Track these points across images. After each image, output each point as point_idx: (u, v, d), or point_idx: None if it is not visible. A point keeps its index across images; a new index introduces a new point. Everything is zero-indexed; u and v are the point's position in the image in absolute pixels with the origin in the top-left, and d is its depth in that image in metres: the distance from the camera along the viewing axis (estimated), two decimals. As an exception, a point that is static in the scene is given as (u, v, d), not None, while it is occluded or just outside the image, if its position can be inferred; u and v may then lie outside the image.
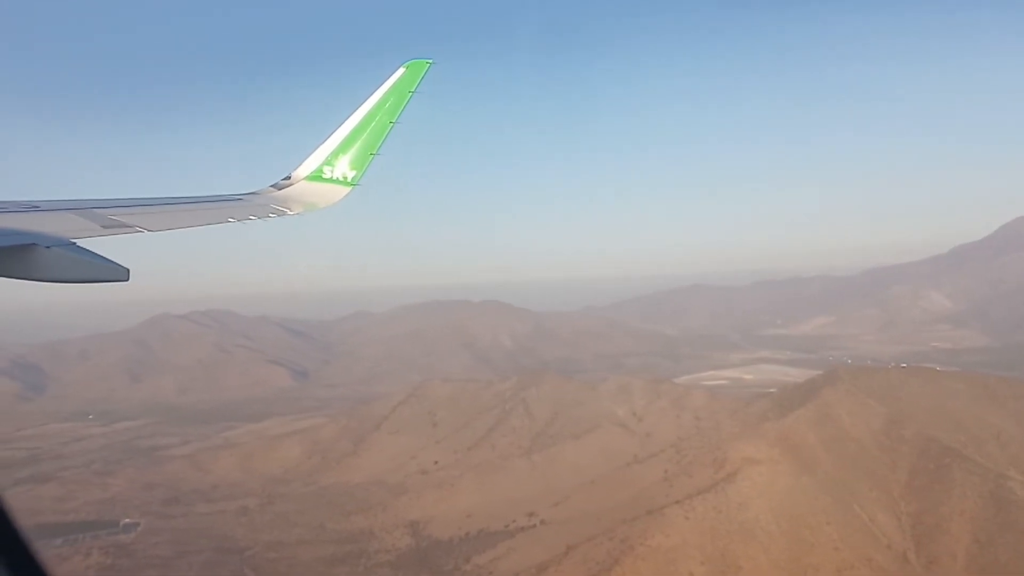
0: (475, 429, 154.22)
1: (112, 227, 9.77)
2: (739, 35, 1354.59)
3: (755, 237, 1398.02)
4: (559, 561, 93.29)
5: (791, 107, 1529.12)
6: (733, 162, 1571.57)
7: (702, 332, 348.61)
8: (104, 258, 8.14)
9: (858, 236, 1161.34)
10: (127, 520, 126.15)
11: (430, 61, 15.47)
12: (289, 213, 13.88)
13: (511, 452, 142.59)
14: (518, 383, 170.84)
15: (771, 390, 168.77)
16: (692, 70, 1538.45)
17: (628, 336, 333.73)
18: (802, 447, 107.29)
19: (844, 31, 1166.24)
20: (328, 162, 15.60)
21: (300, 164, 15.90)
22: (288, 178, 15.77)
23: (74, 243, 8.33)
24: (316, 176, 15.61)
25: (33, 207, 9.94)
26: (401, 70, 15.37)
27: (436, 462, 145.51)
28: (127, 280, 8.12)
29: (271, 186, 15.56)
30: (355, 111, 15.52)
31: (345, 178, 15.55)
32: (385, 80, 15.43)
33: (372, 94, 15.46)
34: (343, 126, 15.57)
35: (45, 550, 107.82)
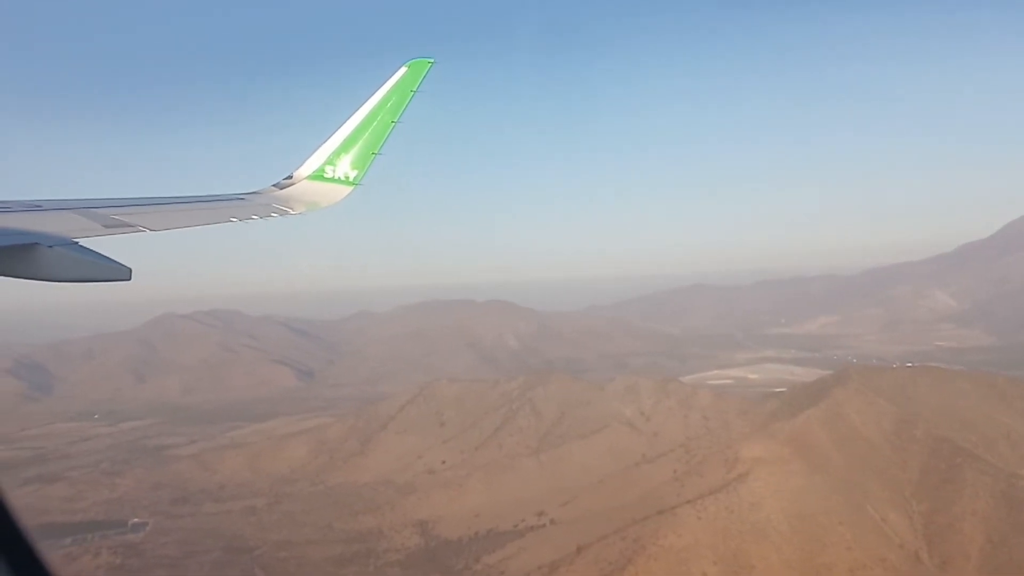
0: (482, 429, 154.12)
1: (114, 226, 9.80)
2: (741, 35, 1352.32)
3: (757, 237, 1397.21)
4: (571, 561, 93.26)
5: (793, 106, 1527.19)
6: (734, 161, 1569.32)
7: (705, 331, 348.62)
8: (106, 257, 8.15)
9: (861, 235, 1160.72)
10: (136, 520, 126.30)
11: (432, 60, 15.45)
12: (291, 213, 13.92)
13: (519, 452, 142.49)
14: (524, 383, 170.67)
15: (777, 389, 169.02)
16: (693, 70, 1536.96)
17: (632, 336, 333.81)
18: (813, 447, 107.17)
19: (846, 31, 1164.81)
20: (330, 162, 15.61)
21: (302, 164, 15.92)
22: (290, 178, 15.79)
23: (76, 243, 8.34)
24: (318, 176, 15.62)
25: (35, 207, 9.97)
26: (403, 69, 15.35)
27: (443, 462, 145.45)
28: (129, 279, 8.14)
29: (273, 186, 15.56)
30: (357, 111, 15.54)
31: (347, 177, 15.56)
32: (387, 80, 15.43)
33: (374, 93, 15.46)
34: (345, 126, 15.59)
35: (55, 550, 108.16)
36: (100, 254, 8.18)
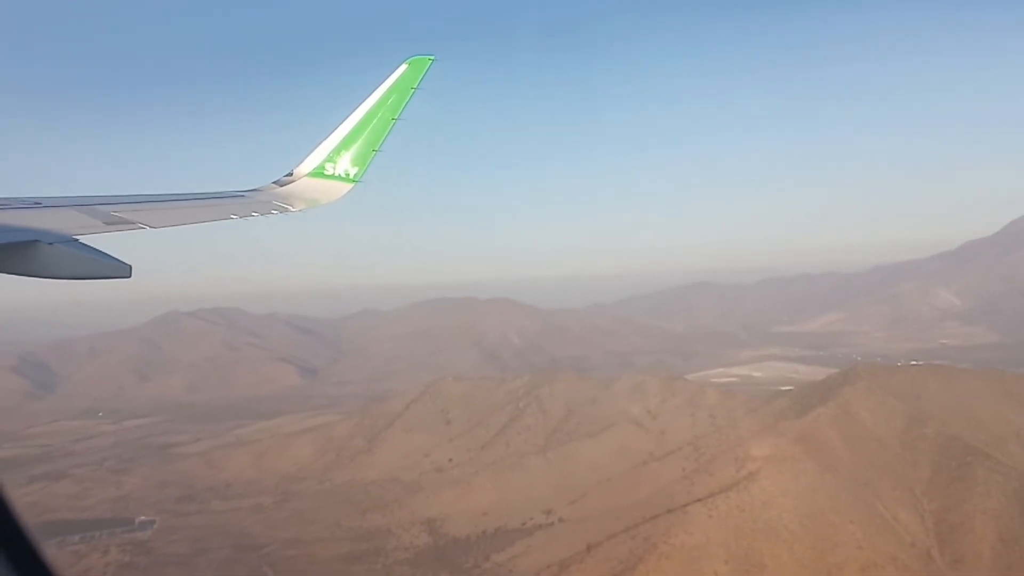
0: (489, 427, 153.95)
1: (114, 223, 9.86)
2: (744, 34, 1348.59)
3: (761, 234, 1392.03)
4: (581, 559, 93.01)
5: (798, 105, 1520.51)
6: (739, 159, 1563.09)
7: (710, 329, 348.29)
8: (106, 255, 8.19)
9: (866, 233, 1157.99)
10: (143, 518, 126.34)
11: (432, 57, 15.47)
12: (291, 210, 13.97)
13: (526, 450, 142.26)
14: (531, 381, 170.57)
15: (783, 387, 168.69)
16: (696, 68, 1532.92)
17: (637, 333, 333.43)
18: (824, 445, 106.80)
19: (851, 29, 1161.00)
20: (330, 159, 15.65)
21: (302, 161, 15.94)
22: (290, 175, 15.87)
23: (76, 240, 8.39)
24: (318, 173, 15.68)
25: (36, 204, 10.10)
26: (403, 67, 15.34)
27: (451, 460, 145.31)
28: (129, 277, 8.17)
29: (273, 183, 15.60)
30: (357, 108, 15.55)
31: (347, 175, 15.61)
32: (387, 77, 15.41)
33: (374, 91, 15.47)
34: (345, 123, 15.60)
35: (63, 547, 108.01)
36: (100, 251, 8.24)
